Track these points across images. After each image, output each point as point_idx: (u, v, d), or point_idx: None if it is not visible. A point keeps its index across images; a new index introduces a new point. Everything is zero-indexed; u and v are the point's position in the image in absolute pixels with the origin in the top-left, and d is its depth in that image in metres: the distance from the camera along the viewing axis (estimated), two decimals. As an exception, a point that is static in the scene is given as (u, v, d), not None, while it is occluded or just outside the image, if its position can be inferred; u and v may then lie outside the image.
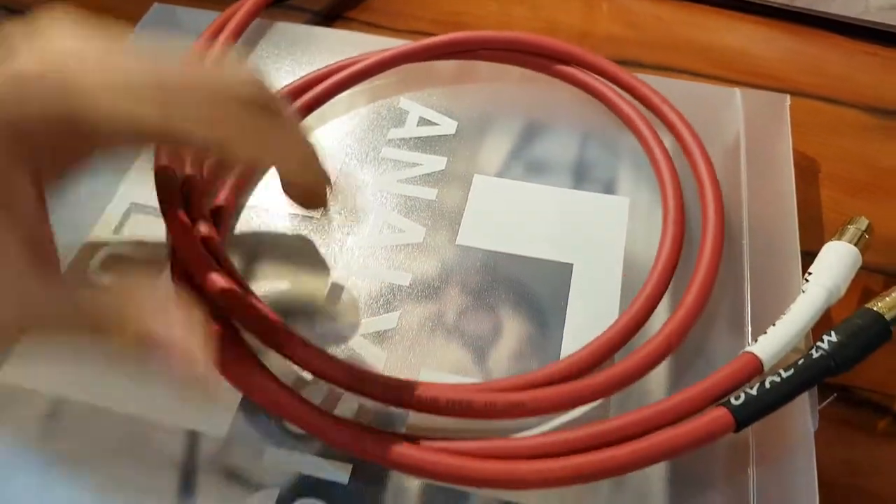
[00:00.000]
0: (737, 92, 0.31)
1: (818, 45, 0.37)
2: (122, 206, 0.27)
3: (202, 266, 0.23)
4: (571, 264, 0.26)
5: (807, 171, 0.31)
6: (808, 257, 0.26)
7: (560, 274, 0.26)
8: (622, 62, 0.34)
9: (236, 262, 0.26)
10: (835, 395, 0.26)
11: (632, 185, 0.29)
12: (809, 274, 0.25)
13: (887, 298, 0.23)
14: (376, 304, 0.25)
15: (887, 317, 0.23)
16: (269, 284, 0.25)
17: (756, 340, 0.22)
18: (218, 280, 0.23)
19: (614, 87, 0.31)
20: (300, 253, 0.27)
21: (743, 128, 0.30)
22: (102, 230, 0.27)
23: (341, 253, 0.26)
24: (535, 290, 0.25)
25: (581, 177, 0.29)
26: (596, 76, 0.31)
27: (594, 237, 0.27)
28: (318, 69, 0.31)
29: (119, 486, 0.22)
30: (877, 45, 0.37)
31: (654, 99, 0.30)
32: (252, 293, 0.24)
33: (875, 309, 0.23)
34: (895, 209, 0.30)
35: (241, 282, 0.24)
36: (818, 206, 0.30)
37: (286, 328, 0.22)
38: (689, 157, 0.28)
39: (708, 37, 0.37)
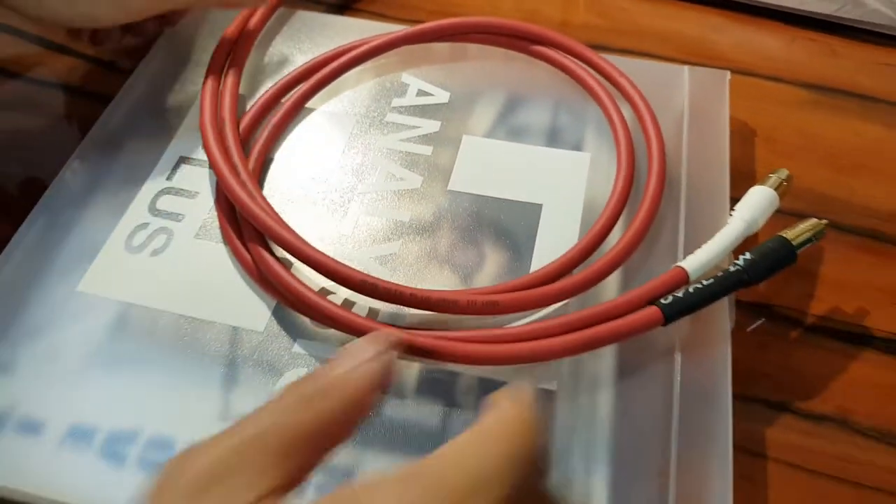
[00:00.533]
0: (685, 69, 0.36)
1: (763, 32, 0.42)
2: (173, 158, 0.33)
3: (241, 197, 0.29)
4: (541, 205, 0.31)
5: (746, 136, 0.37)
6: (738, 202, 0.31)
7: (531, 212, 0.31)
8: (593, 46, 0.40)
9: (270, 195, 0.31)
10: (762, 320, 0.31)
11: (595, 145, 0.34)
12: (734, 210, 0.30)
13: (797, 227, 0.29)
14: (382, 236, 0.30)
15: (794, 242, 0.28)
16: (297, 217, 0.31)
17: (685, 259, 0.28)
18: (255, 208, 0.28)
19: (582, 65, 0.36)
20: (322, 195, 0.32)
21: (687, 99, 0.35)
22: (157, 177, 0.32)
23: (354, 195, 0.32)
24: (511, 225, 0.31)
25: (553, 139, 0.34)
26: (567, 56, 0.36)
27: (560, 184, 0.32)
28: (333, 49, 0.36)
29: (174, 377, 0.27)
30: (814, 31, 0.42)
31: (615, 75, 0.35)
32: (283, 221, 0.29)
33: (784, 235, 0.28)
34: (818, 166, 0.36)
35: (273, 211, 0.29)
36: (752, 163, 0.36)
37: (312, 247, 0.28)
38: (641, 122, 0.33)
39: (667, 25, 0.42)
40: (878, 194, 0.35)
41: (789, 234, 0.28)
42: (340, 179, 0.32)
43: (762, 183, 0.31)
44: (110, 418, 0.26)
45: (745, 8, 0.43)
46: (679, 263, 0.27)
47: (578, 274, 0.27)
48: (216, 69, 0.34)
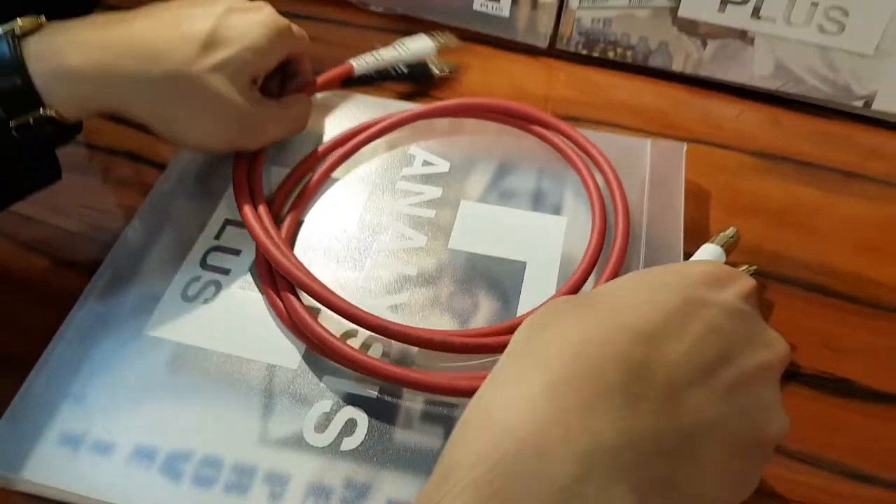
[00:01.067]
0: (648, 142, 0.42)
1: (717, 105, 0.48)
2: (220, 220, 0.38)
3: (276, 258, 0.34)
4: (525, 262, 0.37)
5: (701, 197, 0.42)
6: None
7: (517, 268, 0.37)
8: (571, 118, 0.46)
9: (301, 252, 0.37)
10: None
11: (572, 206, 0.39)
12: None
13: (719, 235, 0.34)
14: (393, 287, 0.36)
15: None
16: (322, 271, 0.36)
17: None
18: (288, 266, 0.34)
19: (562, 138, 0.42)
20: (344, 252, 0.37)
21: (649, 167, 0.41)
22: (207, 236, 0.37)
23: (370, 253, 0.37)
24: (500, 278, 0.36)
25: (537, 201, 0.40)
26: (550, 130, 0.42)
27: (541, 244, 0.38)
28: (354, 126, 0.42)
29: (221, 406, 0.32)
30: (761, 104, 0.48)
31: (589, 147, 0.41)
32: (310, 274, 0.34)
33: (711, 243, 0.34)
34: (762, 225, 0.41)
35: (303, 267, 0.35)
36: (707, 220, 0.41)
37: (333, 293, 0.33)
38: (609, 188, 0.39)
39: (634, 98, 0.48)
40: (812, 249, 0.40)
41: (716, 239, 0.34)
42: (359, 239, 0.38)
43: (711, 241, 0.36)
44: (168, 441, 0.31)
45: (700, 83, 0.49)
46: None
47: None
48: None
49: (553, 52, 0.51)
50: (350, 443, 0.31)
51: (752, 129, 0.47)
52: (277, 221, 0.37)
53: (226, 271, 0.36)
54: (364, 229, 0.38)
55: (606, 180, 0.39)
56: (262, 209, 0.37)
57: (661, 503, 0.20)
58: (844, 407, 0.34)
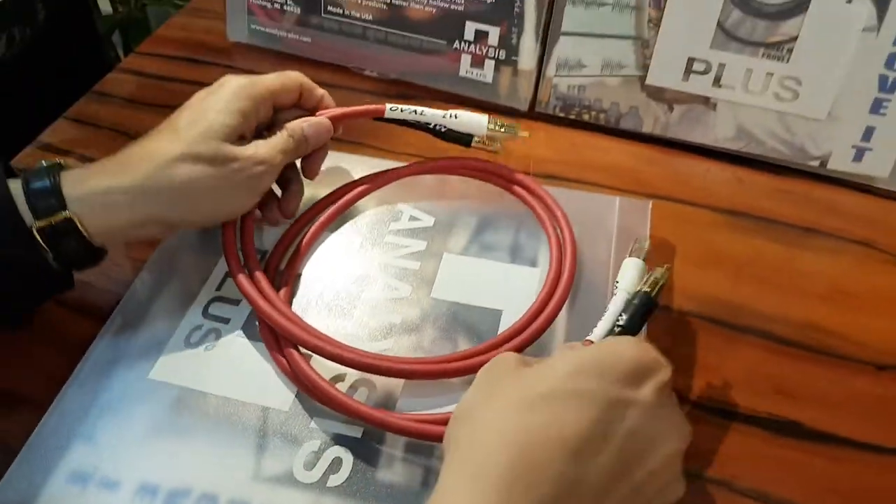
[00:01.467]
0: (616, 199, 0.45)
1: (684, 164, 0.52)
2: (221, 273, 0.41)
3: (270, 315, 0.37)
4: (501, 310, 0.40)
5: (666, 251, 0.45)
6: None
7: (494, 316, 0.40)
8: (550, 175, 0.49)
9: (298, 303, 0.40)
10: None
11: (546, 260, 0.42)
12: (616, 284, 0.37)
13: (650, 279, 0.36)
14: (379, 334, 0.39)
15: (652, 294, 0.36)
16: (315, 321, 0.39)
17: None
18: (281, 321, 0.37)
19: (533, 197, 0.45)
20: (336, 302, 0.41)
21: (617, 221, 0.44)
22: (209, 288, 0.41)
23: (358, 303, 0.40)
24: (478, 326, 0.39)
25: (514, 254, 0.43)
26: (522, 188, 0.45)
27: (516, 293, 0.41)
28: (346, 183, 0.45)
29: (219, 446, 0.35)
30: (725, 163, 0.52)
31: (552, 205, 0.44)
32: (300, 322, 0.37)
33: (645, 290, 0.36)
34: (724, 277, 0.44)
35: (292, 316, 0.38)
36: (671, 283, 0.44)
37: (333, 343, 0.36)
38: (563, 244, 0.42)
39: (607, 158, 0.52)
40: (770, 301, 0.43)
41: (646, 288, 0.36)
42: (349, 289, 0.41)
43: (629, 255, 0.39)
44: (170, 478, 0.33)
45: (669, 144, 0.52)
46: (588, 337, 0.35)
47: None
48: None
49: (533, 114, 0.55)
50: (336, 479, 0.33)
51: (716, 187, 0.50)
52: (277, 275, 0.41)
53: (226, 320, 0.39)
54: (354, 281, 0.42)
55: (562, 237, 0.42)
56: (252, 266, 0.40)
57: None
58: (794, 447, 0.36)
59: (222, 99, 0.39)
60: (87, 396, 0.36)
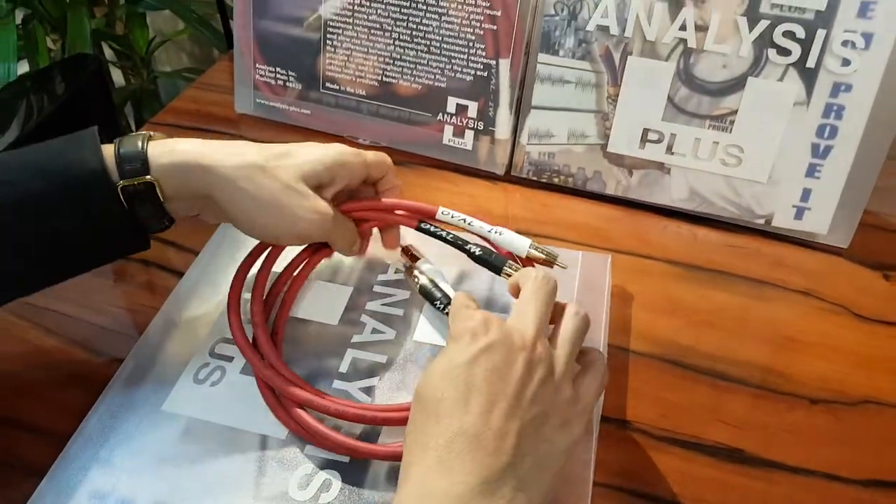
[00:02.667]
0: (580, 254, 0.51)
1: (643, 222, 0.58)
2: (226, 318, 0.47)
3: (263, 373, 0.42)
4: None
5: (625, 299, 0.51)
6: (614, 348, 0.45)
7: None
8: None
9: (290, 343, 0.45)
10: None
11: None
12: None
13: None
14: (366, 373, 0.44)
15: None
16: (304, 367, 0.44)
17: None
18: (264, 370, 0.42)
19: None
20: (327, 344, 0.46)
21: (580, 274, 0.49)
22: (216, 329, 0.46)
23: (348, 344, 0.46)
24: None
25: (490, 304, 0.48)
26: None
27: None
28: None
29: (222, 469, 0.39)
30: (680, 221, 0.58)
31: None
32: (295, 376, 0.42)
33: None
34: (677, 322, 0.49)
35: (288, 373, 0.43)
36: (630, 319, 0.50)
37: (319, 395, 0.41)
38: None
39: (574, 217, 0.58)
40: (717, 343, 0.48)
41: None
42: (340, 333, 0.46)
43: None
44: (180, 497, 0.38)
45: (630, 204, 0.59)
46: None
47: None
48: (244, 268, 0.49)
49: (509, 178, 0.61)
50: (327, 497, 0.38)
51: (672, 243, 0.56)
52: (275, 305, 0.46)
53: (229, 358, 0.44)
54: (345, 324, 0.47)
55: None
56: (257, 321, 0.44)
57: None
58: (736, 472, 0.41)
59: (322, 151, 0.43)
60: (105, 427, 0.41)
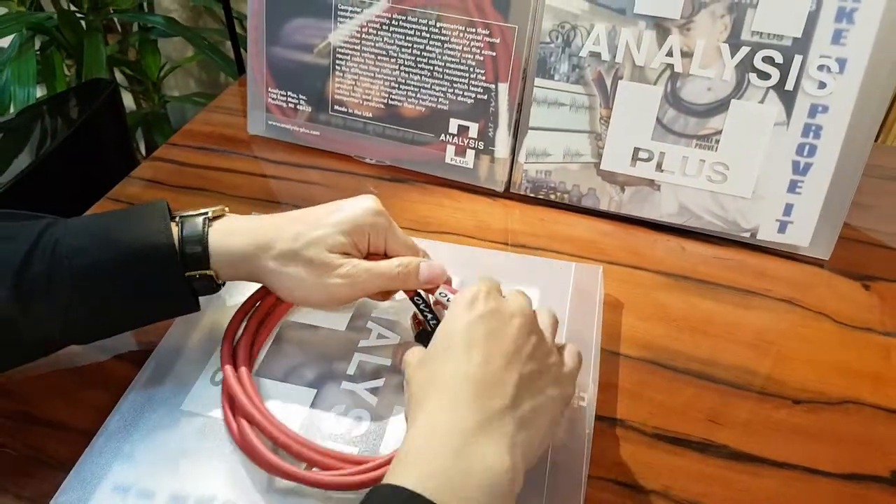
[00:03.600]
0: (573, 265, 0.54)
1: (635, 235, 0.61)
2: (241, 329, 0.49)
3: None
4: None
5: (616, 307, 0.54)
6: (606, 352, 0.48)
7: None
8: (522, 245, 0.58)
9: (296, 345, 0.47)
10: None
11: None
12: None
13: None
14: (371, 375, 0.47)
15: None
16: (314, 370, 0.47)
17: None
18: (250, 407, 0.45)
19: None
20: (336, 348, 0.48)
21: (573, 283, 0.52)
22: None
23: (355, 348, 0.48)
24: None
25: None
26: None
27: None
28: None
29: (236, 463, 0.42)
30: (669, 234, 0.61)
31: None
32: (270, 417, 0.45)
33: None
34: (665, 328, 0.52)
35: (263, 409, 0.45)
36: (620, 326, 0.52)
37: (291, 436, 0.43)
38: (543, 299, 0.50)
39: (569, 231, 0.61)
40: (704, 347, 0.51)
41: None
42: (347, 338, 0.49)
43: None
44: (197, 489, 0.40)
45: (622, 219, 0.62)
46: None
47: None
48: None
49: (508, 194, 0.65)
50: (335, 488, 0.40)
51: (662, 255, 0.59)
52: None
53: (244, 362, 0.47)
54: (352, 330, 0.50)
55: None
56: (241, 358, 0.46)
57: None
58: (722, 466, 0.43)
59: (348, 219, 0.45)
60: (128, 423, 0.43)
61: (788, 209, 0.57)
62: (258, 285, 0.48)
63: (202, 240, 0.43)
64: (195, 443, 0.43)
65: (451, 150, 0.65)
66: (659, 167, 0.59)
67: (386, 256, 0.46)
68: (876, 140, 0.74)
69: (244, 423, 0.42)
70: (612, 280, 0.55)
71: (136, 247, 0.42)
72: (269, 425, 0.42)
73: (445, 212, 0.63)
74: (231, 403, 0.44)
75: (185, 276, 0.43)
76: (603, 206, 0.62)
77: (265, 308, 0.48)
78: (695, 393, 0.48)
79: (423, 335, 0.45)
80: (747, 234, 0.59)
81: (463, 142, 0.64)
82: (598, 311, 0.50)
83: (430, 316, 0.45)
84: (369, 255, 0.46)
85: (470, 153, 0.64)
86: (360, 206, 0.46)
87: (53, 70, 0.97)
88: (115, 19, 1.19)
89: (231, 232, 0.44)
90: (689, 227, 0.60)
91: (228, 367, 0.44)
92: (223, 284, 0.46)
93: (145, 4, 1.23)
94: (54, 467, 0.42)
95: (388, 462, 0.39)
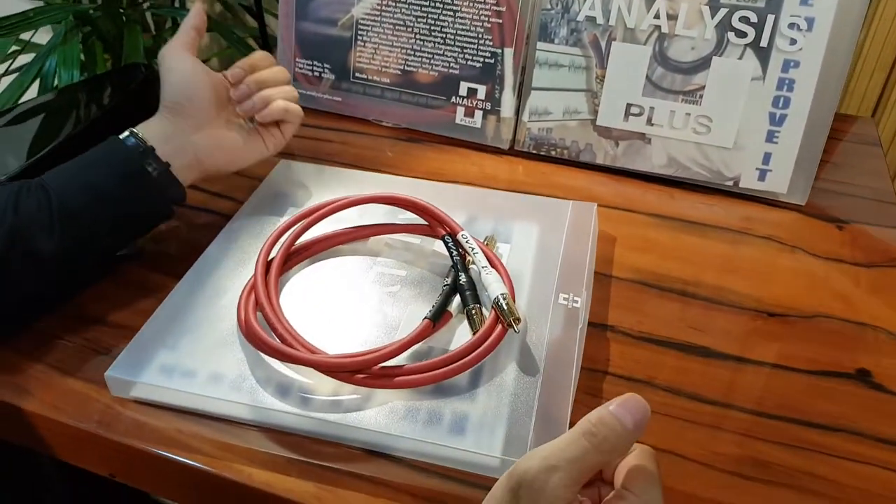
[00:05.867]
0: (570, 202, 0.59)
1: (628, 186, 0.66)
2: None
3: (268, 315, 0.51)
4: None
5: (609, 240, 0.59)
6: (599, 275, 0.53)
7: (475, 273, 0.52)
8: (523, 192, 0.64)
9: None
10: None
11: (517, 241, 0.56)
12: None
13: (507, 309, 0.49)
14: (389, 282, 0.52)
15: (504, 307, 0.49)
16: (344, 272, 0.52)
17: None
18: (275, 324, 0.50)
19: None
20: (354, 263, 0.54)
21: (569, 218, 0.57)
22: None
23: (375, 263, 0.54)
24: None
25: (497, 235, 0.56)
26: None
27: (493, 258, 0.54)
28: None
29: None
30: (660, 185, 0.66)
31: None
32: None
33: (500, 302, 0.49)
34: (653, 257, 0.57)
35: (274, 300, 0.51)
36: (612, 255, 0.57)
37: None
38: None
39: (569, 182, 0.66)
40: (687, 271, 0.56)
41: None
42: (364, 260, 0.54)
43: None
44: (232, 370, 0.45)
45: (617, 172, 0.67)
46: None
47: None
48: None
49: (513, 151, 0.70)
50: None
51: (652, 201, 0.64)
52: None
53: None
54: (369, 254, 0.55)
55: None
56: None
57: None
58: (702, 363, 0.48)
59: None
60: (172, 320, 0.49)
61: (767, 158, 0.63)
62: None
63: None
64: (229, 335, 0.48)
65: (460, 111, 0.71)
66: (649, 121, 0.65)
67: None
68: (874, 115, 0.81)
69: (251, 311, 0.47)
70: (606, 220, 0.60)
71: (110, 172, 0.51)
72: (273, 315, 0.47)
73: (456, 167, 0.69)
74: (248, 295, 0.49)
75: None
76: (599, 160, 0.67)
77: (299, 231, 0.54)
78: (679, 307, 0.53)
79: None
80: (731, 183, 0.64)
81: (472, 103, 0.70)
82: (592, 239, 0.55)
83: (456, 259, 0.50)
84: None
85: (478, 114, 0.70)
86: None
87: (94, 58, 1.04)
88: (150, 18, 1.27)
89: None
90: (677, 177, 0.66)
91: (259, 269, 0.50)
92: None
93: (177, 2, 1.30)
94: (105, 354, 0.48)
95: (392, 352, 0.44)
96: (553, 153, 0.69)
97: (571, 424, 0.34)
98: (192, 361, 0.46)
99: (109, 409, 0.45)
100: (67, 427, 0.44)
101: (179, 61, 0.55)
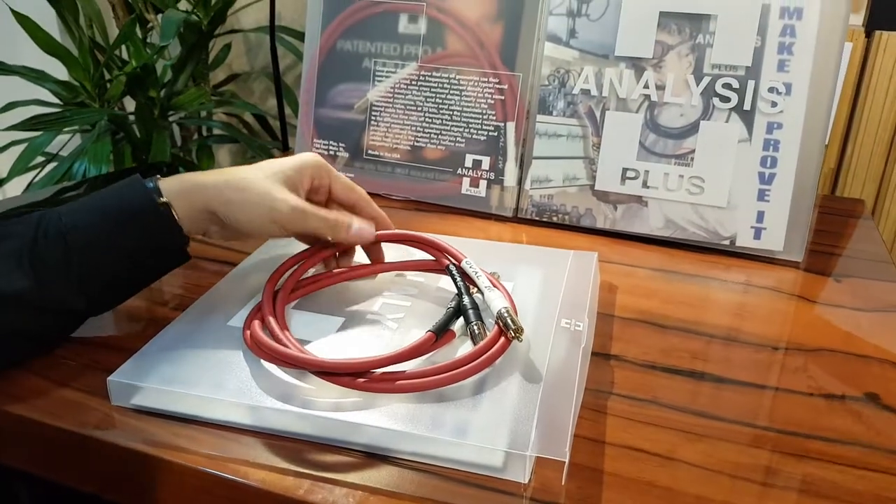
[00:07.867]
0: (571, 252, 0.61)
1: (629, 247, 0.68)
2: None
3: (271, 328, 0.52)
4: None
5: (610, 290, 0.60)
6: (602, 315, 0.54)
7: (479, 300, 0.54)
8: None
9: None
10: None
11: (520, 281, 0.57)
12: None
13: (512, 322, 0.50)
14: (394, 310, 0.53)
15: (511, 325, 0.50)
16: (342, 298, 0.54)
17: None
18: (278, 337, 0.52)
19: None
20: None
21: (570, 264, 0.59)
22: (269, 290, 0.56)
23: (380, 297, 0.55)
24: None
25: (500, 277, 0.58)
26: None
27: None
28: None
29: (261, 367, 0.47)
30: (660, 246, 0.68)
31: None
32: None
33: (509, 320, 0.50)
34: (652, 302, 0.58)
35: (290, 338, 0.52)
36: (614, 301, 0.58)
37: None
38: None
39: (570, 243, 0.68)
40: (688, 314, 0.57)
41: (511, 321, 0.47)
42: (370, 286, 0.56)
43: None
44: (233, 382, 0.46)
45: (617, 235, 0.70)
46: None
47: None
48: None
49: (516, 218, 0.73)
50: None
51: (653, 259, 0.66)
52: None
53: (282, 297, 0.54)
54: (375, 286, 0.57)
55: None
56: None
57: None
58: (709, 386, 0.47)
59: (297, 159, 0.55)
60: (175, 338, 0.50)
61: (760, 216, 0.65)
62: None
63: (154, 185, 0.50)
64: (234, 351, 0.48)
65: (466, 181, 0.75)
66: (644, 184, 0.68)
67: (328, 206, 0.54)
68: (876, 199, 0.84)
69: (256, 326, 0.48)
70: (608, 273, 0.62)
71: (121, 209, 0.49)
72: (277, 328, 0.47)
73: (462, 232, 0.71)
74: (254, 314, 0.50)
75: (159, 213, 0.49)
76: (599, 225, 0.70)
77: (308, 265, 0.56)
78: (681, 342, 0.53)
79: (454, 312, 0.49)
80: (727, 242, 0.66)
81: (477, 174, 0.74)
82: (594, 282, 0.57)
83: (460, 284, 0.51)
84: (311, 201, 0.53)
85: (483, 184, 0.74)
86: (303, 154, 0.54)
87: (123, 158, 1.12)
88: (178, 133, 1.37)
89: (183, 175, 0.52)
90: (675, 238, 0.68)
91: (266, 293, 0.51)
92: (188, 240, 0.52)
93: (201, 113, 1.40)
94: (108, 371, 0.48)
95: (394, 357, 0.44)
96: (555, 219, 0.72)
97: (575, 434, 0.35)
98: (196, 372, 0.46)
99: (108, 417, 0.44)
100: (63, 432, 0.44)
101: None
